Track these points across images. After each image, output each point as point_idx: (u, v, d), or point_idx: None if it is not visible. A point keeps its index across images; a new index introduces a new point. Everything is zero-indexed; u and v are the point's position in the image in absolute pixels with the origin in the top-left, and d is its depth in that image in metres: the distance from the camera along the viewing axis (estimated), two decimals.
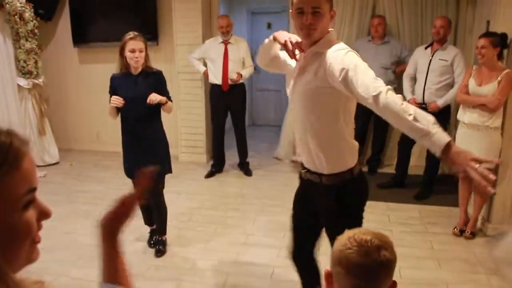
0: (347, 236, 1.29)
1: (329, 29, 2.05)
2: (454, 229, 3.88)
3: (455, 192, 4.05)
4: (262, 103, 8.13)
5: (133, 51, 3.19)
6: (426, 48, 4.52)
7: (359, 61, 1.85)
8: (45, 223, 0.80)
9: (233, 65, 5.19)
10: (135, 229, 3.74)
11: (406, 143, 4.71)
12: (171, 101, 3.48)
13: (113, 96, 3.25)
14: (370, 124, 5.39)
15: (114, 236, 1.12)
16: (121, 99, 3.23)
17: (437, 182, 4.83)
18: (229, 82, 5.17)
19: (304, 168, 2.28)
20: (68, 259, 3.51)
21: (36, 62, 5.67)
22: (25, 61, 5.55)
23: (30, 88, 5.68)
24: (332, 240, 1.99)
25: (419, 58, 4.55)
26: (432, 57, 4.41)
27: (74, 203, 4.69)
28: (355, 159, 2.13)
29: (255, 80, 7.89)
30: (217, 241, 3.85)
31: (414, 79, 4.68)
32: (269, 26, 7.60)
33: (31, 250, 0.77)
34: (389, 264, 1.27)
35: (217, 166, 5.59)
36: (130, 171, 3.45)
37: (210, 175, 5.51)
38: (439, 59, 4.37)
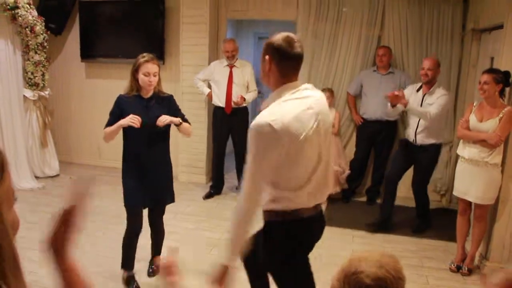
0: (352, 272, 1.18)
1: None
2: (451, 264, 3.84)
3: (452, 226, 4.02)
4: None
5: (147, 74, 3.01)
6: (417, 90, 4.39)
7: None
8: (35, 235, 0.85)
9: (237, 89, 5.22)
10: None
11: (393, 179, 4.58)
12: (188, 122, 3.34)
13: (132, 115, 2.98)
14: (371, 154, 5.40)
15: (64, 254, 1.11)
16: (140, 119, 2.99)
17: (435, 216, 4.80)
18: (232, 105, 5.20)
19: None
20: None
21: (43, 75, 5.73)
22: (32, 73, 5.60)
23: (35, 99, 5.73)
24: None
25: (411, 99, 4.32)
26: (422, 101, 4.31)
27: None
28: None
29: (258, 104, 7.90)
30: (214, 263, 3.80)
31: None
32: None
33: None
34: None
35: (216, 188, 5.57)
36: (133, 200, 3.21)
37: (208, 196, 5.49)
38: (428, 104, 4.25)
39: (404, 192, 5.02)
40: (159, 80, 3.15)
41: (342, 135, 5.61)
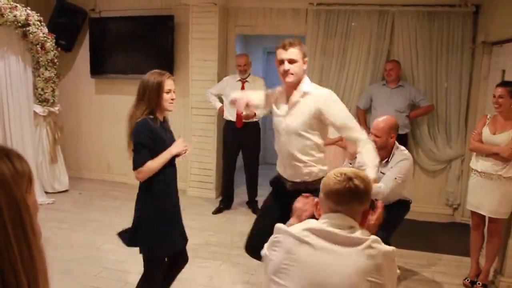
0: (333, 171, 1.68)
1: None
2: (465, 280, 3.76)
3: (465, 240, 3.95)
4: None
5: (169, 91, 2.65)
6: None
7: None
8: (46, 250, 0.86)
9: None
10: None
11: None
12: None
13: (181, 141, 2.71)
14: None
15: None
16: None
17: (447, 230, 4.73)
18: (243, 119, 5.20)
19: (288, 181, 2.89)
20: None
21: (53, 91, 5.77)
22: (43, 89, 5.64)
23: (45, 115, 5.76)
24: None
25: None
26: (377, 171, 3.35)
27: (78, 232, 4.66)
28: None
29: (269, 118, 7.90)
30: (221, 278, 3.78)
31: None
32: None
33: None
34: (358, 192, 1.61)
35: (225, 203, 5.55)
36: (177, 246, 2.84)
37: (218, 211, 5.46)
38: (381, 173, 3.41)
39: (417, 207, 4.94)
40: None
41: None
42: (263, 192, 5.67)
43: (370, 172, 2.56)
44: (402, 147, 3.53)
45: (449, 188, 5.28)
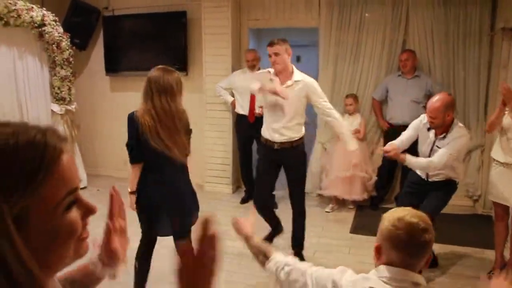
0: (397, 217, 1.55)
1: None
2: (489, 273, 3.68)
3: (487, 232, 3.88)
4: None
5: None
6: (428, 129, 3.57)
7: None
8: None
9: (259, 98, 5.21)
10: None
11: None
12: None
13: None
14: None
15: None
16: None
17: (468, 222, 4.66)
18: (255, 114, 5.21)
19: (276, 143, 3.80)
20: None
21: (69, 89, 5.81)
22: (59, 88, 5.69)
23: (62, 113, 5.80)
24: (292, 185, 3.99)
25: (422, 136, 3.65)
26: (433, 145, 3.55)
27: (99, 228, 4.69)
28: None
29: None
30: (240, 273, 3.78)
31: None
32: (298, 59, 7.63)
33: (78, 246, 0.77)
34: (430, 244, 1.55)
35: (250, 192, 5.56)
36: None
37: (245, 200, 5.57)
38: (437, 147, 3.52)
39: None
40: None
41: (369, 141, 5.51)
42: (278, 186, 5.63)
43: (352, 146, 3.97)
44: (461, 124, 3.48)
45: (469, 179, 5.18)
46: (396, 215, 1.58)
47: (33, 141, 0.71)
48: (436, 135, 3.49)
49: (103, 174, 6.73)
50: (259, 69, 5.29)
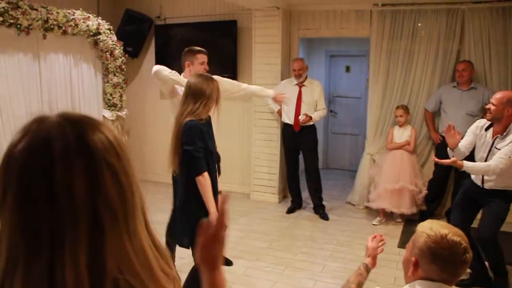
0: (441, 235, 1.53)
1: None
2: None
3: None
4: (337, 147, 7.96)
5: None
6: (486, 128, 3.50)
7: None
8: None
9: (305, 107, 5.23)
10: None
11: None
12: None
13: None
14: (451, 173, 5.11)
15: (213, 268, 1.06)
16: None
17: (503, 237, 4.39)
18: (300, 123, 5.20)
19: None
20: None
21: (121, 96, 5.97)
22: (111, 94, 5.85)
23: (113, 119, 5.96)
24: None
25: (479, 137, 3.55)
26: (491, 146, 3.41)
27: None
28: None
29: (331, 123, 7.81)
30: (284, 283, 3.73)
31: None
32: (347, 69, 7.55)
33: None
34: (469, 263, 1.54)
35: (296, 202, 5.62)
36: None
37: (291, 211, 5.54)
38: (495, 148, 3.37)
39: None
40: None
41: (419, 154, 5.36)
42: (325, 197, 5.63)
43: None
44: None
45: None
46: (438, 231, 1.55)
47: None
48: (494, 135, 3.37)
49: (151, 180, 6.86)
50: (306, 78, 5.29)
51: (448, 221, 4.81)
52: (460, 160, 3.38)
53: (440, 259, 1.52)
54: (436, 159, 3.58)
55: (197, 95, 2.77)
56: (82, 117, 0.77)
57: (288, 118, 5.35)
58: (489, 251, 3.50)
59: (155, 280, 0.74)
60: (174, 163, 2.89)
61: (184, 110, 2.79)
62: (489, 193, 3.44)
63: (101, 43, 5.48)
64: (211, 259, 1.05)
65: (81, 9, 5.21)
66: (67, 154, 0.68)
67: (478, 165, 3.36)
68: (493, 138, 3.38)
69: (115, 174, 0.72)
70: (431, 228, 1.57)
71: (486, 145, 3.43)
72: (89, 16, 5.26)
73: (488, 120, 3.41)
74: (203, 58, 3.78)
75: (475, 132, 3.55)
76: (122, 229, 0.71)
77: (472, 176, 3.58)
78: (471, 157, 3.61)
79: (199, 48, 3.85)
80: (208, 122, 2.86)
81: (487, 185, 3.46)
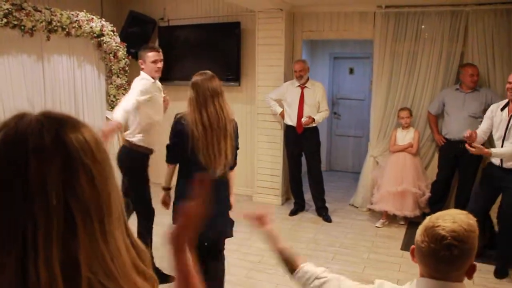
0: (428, 226, 1.40)
1: None
2: None
3: None
4: (341, 149, 7.95)
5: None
6: (502, 108, 3.78)
7: None
8: None
9: (308, 109, 5.24)
10: None
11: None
12: None
13: None
14: (454, 176, 5.09)
15: (183, 251, 1.08)
16: None
17: None
18: (303, 125, 5.20)
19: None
20: None
21: None
22: (114, 96, 5.86)
23: None
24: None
25: (495, 118, 3.82)
26: (509, 123, 3.67)
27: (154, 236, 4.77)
28: None
29: (334, 125, 7.80)
30: (287, 285, 3.73)
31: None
32: (351, 71, 7.54)
33: None
34: (457, 260, 1.36)
35: (299, 204, 5.62)
36: None
37: (293, 213, 5.55)
38: None
39: None
40: None
41: (423, 156, 5.34)
42: (328, 199, 5.62)
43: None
44: None
45: None
46: (432, 220, 1.40)
47: None
48: (509, 113, 3.60)
49: (157, 182, 6.83)
50: (307, 79, 5.28)
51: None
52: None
53: (420, 251, 1.41)
54: (468, 147, 3.67)
55: (222, 93, 2.98)
56: (63, 116, 0.75)
57: (291, 120, 5.35)
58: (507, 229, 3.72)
59: (130, 282, 0.74)
60: (226, 164, 2.93)
61: (228, 108, 2.91)
62: (508, 172, 3.63)
63: (104, 44, 5.50)
64: (181, 240, 1.08)
65: (84, 10, 5.22)
66: (42, 149, 0.67)
67: (506, 149, 3.54)
68: (509, 116, 3.60)
69: (91, 174, 0.70)
70: (432, 217, 1.43)
71: (503, 123, 3.63)
72: (92, 18, 5.28)
73: (509, 99, 3.63)
74: (154, 56, 3.82)
75: (490, 116, 3.79)
76: (96, 230, 0.70)
77: (493, 159, 3.75)
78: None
79: (152, 45, 3.96)
80: None
81: (506, 165, 3.65)
